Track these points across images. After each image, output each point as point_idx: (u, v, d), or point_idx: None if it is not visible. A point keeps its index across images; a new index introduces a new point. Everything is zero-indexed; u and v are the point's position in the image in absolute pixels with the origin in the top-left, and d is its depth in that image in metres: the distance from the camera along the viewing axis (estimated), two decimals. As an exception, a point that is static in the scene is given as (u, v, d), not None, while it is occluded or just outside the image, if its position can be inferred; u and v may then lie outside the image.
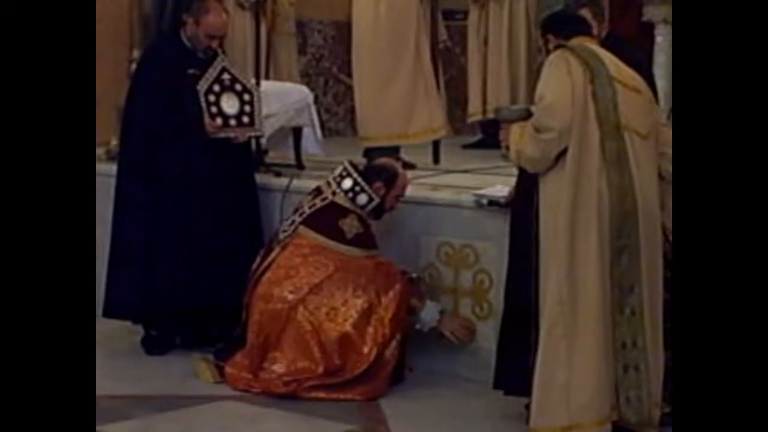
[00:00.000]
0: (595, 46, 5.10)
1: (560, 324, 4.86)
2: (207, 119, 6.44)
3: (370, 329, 5.91)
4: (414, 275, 6.20)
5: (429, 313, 6.12)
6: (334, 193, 6.21)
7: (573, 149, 4.87)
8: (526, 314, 5.15)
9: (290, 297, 5.99)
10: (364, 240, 6.15)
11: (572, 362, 4.86)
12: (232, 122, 6.57)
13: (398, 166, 6.52)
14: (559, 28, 5.28)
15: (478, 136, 9.59)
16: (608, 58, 5.04)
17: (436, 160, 7.77)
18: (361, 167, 6.38)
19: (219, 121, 6.50)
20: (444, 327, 6.15)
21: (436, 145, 7.79)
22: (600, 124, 4.88)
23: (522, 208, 5.38)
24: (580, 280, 4.86)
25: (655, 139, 5.02)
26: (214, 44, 6.55)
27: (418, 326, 6.13)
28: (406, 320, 6.04)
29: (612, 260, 4.87)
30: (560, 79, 4.94)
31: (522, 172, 5.42)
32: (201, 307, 6.48)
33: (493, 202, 6.01)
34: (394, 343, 5.94)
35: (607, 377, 4.88)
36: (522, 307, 5.23)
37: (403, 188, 6.32)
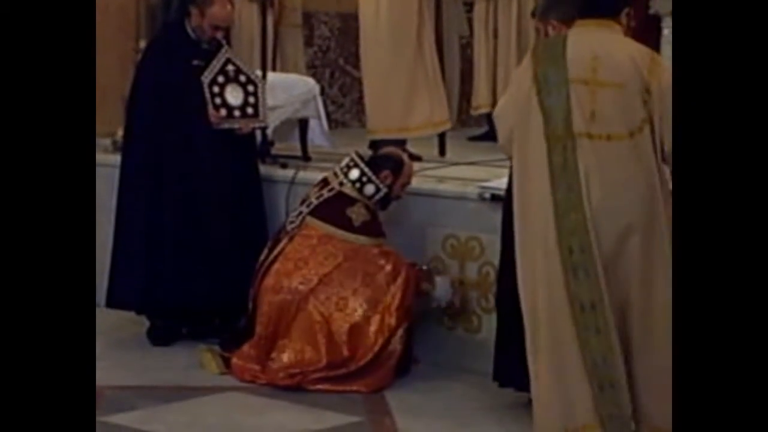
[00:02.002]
0: (587, 35, 4.72)
1: (528, 337, 4.75)
2: (211, 110, 6.44)
3: (378, 318, 5.93)
4: (424, 267, 6.22)
5: (443, 289, 6.18)
6: (341, 184, 6.23)
7: (516, 163, 4.73)
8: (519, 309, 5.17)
9: (300, 288, 6.00)
10: (372, 228, 6.17)
11: (538, 377, 4.72)
12: (236, 113, 6.56)
13: (403, 154, 6.55)
14: (552, 10, 5.19)
15: (485, 128, 9.58)
16: (590, 50, 4.64)
17: (442, 152, 7.77)
18: (367, 157, 6.40)
19: (223, 112, 6.50)
20: (457, 297, 6.22)
21: (442, 137, 7.79)
22: (546, 136, 4.61)
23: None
24: (539, 298, 4.68)
25: (647, 133, 4.61)
26: (219, 35, 6.54)
27: (434, 304, 6.18)
28: (412, 309, 6.05)
29: (567, 278, 4.61)
30: (513, 86, 4.86)
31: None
32: (204, 298, 6.48)
33: (496, 196, 6.01)
34: (400, 332, 5.95)
35: (578, 396, 4.66)
36: (516, 302, 5.24)
37: (409, 176, 6.35)
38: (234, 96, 6.56)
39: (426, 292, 6.15)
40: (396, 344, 5.94)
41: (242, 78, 6.60)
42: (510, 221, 5.43)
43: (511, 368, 5.37)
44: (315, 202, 6.24)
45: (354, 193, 6.20)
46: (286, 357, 5.95)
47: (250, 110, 6.61)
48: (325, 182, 6.34)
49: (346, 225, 6.13)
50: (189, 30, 6.54)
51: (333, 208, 6.18)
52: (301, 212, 6.26)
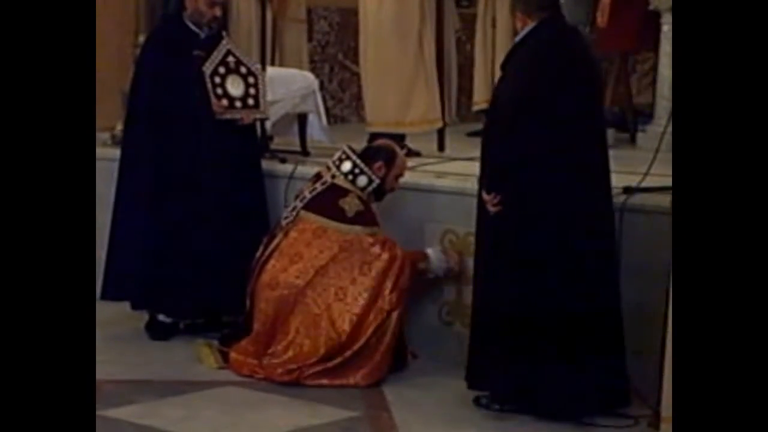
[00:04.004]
0: None
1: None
2: (213, 100, 6.45)
3: (378, 305, 5.94)
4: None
5: (436, 260, 6.20)
6: (333, 176, 6.24)
7: None
8: (502, 313, 5.24)
9: (297, 282, 6.01)
10: (365, 218, 6.17)
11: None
12: (237, 104, 6.58)
13: (396, 145, 6.54)
14: (518, 2, 5.34)
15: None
16: None
17: (440, 147, 7.77)
18: (360, 150, 6.40)
19: (224, 102, 6.50)
20: (452, 262, 6.23)
21: (441, 132, 7.79)
22: None
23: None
24: None
25: None
26: (218, 13, 6.53)
27: (432, 276, 6.20)
28: (406, 294, 6.05)
29: None
30: None
31: (483, 159, 5.41)
32: (204, 292, 6.48)
33: None
34: (394, 316, 5.95)
35: None
36: (497, 306, 5.29)
37: (403, 168, 6.36)
38: (235, 87, 6.57)
39: (424, 270, 6.15)
40: (389, 328, 5.93)
41: (243, 69, 6.62)
42: (480, 217, 5.43)
43: (484, 370, 5.43)
44: (308, 196, 6.25)
45: (347, 185, 6.21)
46: (284, 352, 5.95)
47: (251, 101, 6.62)
48: (318, 176, 6.35)
49: (339, 216, 6.13)
50: (187, 22, 6.55)
51: (326, 200, 6.18)
52: (295, 207, 6.27)
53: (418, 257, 6.16)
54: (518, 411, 5.38)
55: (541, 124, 5.16)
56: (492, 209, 5.25)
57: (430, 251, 6.22)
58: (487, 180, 5.30)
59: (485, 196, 5.27)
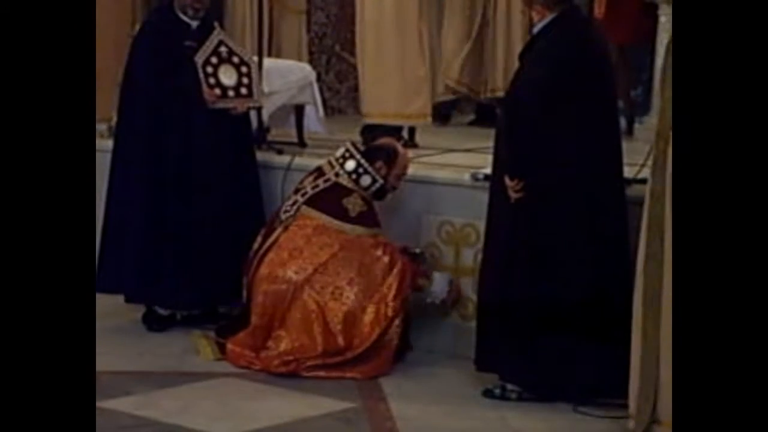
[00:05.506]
0: None
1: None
2: (205, 89, 6.43)
3: (373, 308, 5.93)
4: (417, 250, 6.23)
5: (439, 285, 6.17)
6: (337, 175, 6.22)
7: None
8: (506, 301, 5.28)
9: (295, 277, 6.00)
10: (368, 218, 6.16)
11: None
12: (231, 93, 6.57)
13: (398, 145, 6.53)
14: None
15: (471, 117, 9.55)
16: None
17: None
18: (362, 148, 6.38)
19: (217, 92, 6.49)
20: (452, 296, 6.21)
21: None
22: (658, 126, 4.75)
23: (501, 187, 5.38)
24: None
25: None
26: None
27: (429, 300, 6.18)
28: (408, 299, 6.05)
29: (645, 267, 4.75)
30: None
31: (498, 147, 5.42)
32: (199, 283, 6.47)
33: (489, 177, 6.00)
34: (396, 322, 5.96)
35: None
36: (501, 293, 5.34)
37: (404, 167, 6.33)
38: (227, 76, 6.56)
39: (422, 287, 6.15)
40: (393, 334, 5.95)
41: (235, 59, 6.61)
42: (494, 206, 5.47)
43: (492, 354, 5.48)
44: (310, 191, 6.23)
45: (350, 184, 6.19)
46: (282, 346, 5.95)
47: (244, 90, 6.62)
48: (320, 172, 6.31)
49: (342, 215, 6.13)
50: (178, 12, 6.54)
51: (329, 199, 6.17)
52: (296, 201, 6.25)
53: (421, 272, 6.15)
54: (536, 399, 5.43)
55: (562, 114, 5.23)
56: (514, 195, 5.28)
57: (436, 274, 6.20)
58: (511, 166, 5.31)
59: (508, 182, 5.29)
